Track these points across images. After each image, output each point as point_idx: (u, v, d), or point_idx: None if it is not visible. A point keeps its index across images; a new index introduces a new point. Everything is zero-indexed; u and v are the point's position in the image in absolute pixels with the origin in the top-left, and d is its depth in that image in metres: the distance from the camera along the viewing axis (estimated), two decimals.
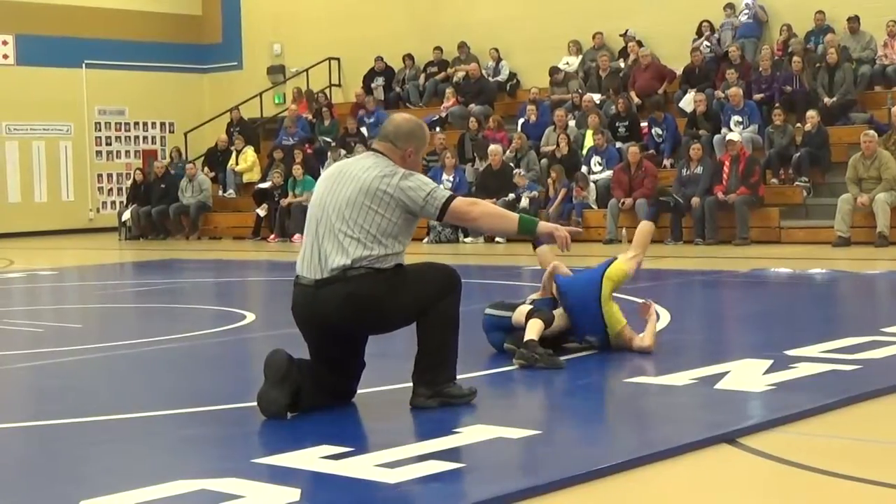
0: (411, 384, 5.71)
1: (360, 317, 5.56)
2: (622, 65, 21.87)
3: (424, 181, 5.62)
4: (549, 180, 19.07)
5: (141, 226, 23.57)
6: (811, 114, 17.69)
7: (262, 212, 21.95)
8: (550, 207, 18.62)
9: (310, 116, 24.67)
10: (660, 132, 19.41)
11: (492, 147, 19.66)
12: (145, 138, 27.89)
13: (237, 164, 23.97)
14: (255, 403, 5.64)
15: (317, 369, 5.66)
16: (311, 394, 5.60)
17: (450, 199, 5.61)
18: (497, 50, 23.56)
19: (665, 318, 8.86)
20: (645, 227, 7.87)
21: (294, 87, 25.95)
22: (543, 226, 5.90)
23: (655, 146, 19.35)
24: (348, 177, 5.61)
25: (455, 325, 5.70)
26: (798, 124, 17.97)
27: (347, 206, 5.52)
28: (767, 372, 6.36)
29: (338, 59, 26.41)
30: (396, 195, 5.52)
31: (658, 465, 4.64)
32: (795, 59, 19.20)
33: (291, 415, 5.55)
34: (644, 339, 7.28)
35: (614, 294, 7.41)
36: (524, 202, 18.62)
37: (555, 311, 7.28)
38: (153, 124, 28.07)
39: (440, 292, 5.61)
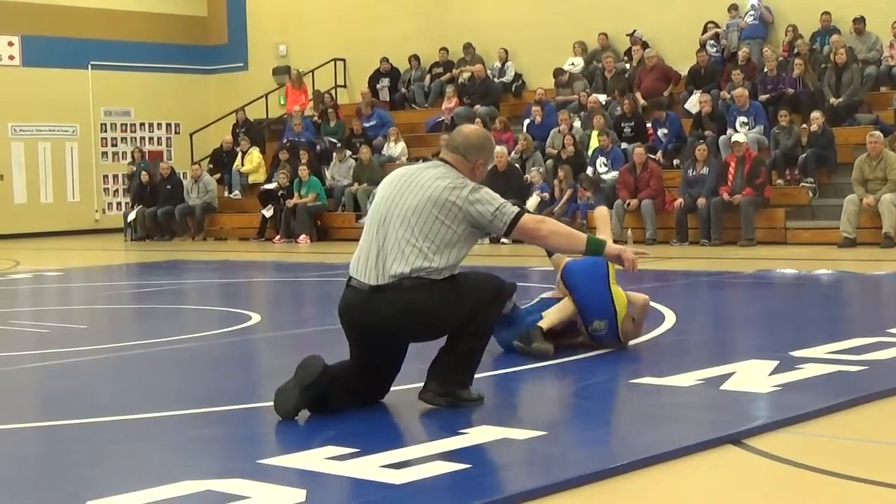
0: (424, 379, 5.69)
1: (411, 327, 5.56)
2: (627, 66, 21.86)
3: (493, 196, 5.58)
4: (556, 181, 19.06)
5: (147, 227, 23.60)
6: (816, 115, 17.67)
7: (267, 213, 21.97)
8: (556, 207, 18.59)
9: (312, 114, 24.67)
10: (666, 132, 19.40)
11: (497, 148, 19.65)
12: (151, 139, 27.93)
13: (243, 164, 23.98)
14: (261, 404, 5.65)
15: (351, 371, 5.65)
16: (339, 397, 5.59)
17: (518, 216, 5.58)
18: (506, 50, 23.55)
19: (671, 318, 8.86)
20: (604, 211, 7.78)
21: (294, 69, 25.91)
22: (611, 247, 5.88)
23: (663, 147, 19.30)
24: (416, 184, 5.57)
25: (488, 335, 5.73)
26: (804, 125, 17.96)
27: (414, 214, 5.48)
28: (773, 373, 6.35)
29: (343, 60, 26.42)
30: (465, 208, 5.49)
31: (664, 465, 4.63)
32: (798, 61, 19.17)
33: (307, 415, 5.54)
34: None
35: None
36: (533, 200, 18.60)
37: (556, 306, 7.32)
38: (159, 125, 28.11)
39: (487, 304, 5.61)
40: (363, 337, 5.63)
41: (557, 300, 7.44)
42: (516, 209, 5.62)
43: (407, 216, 5.50)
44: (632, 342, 7.48)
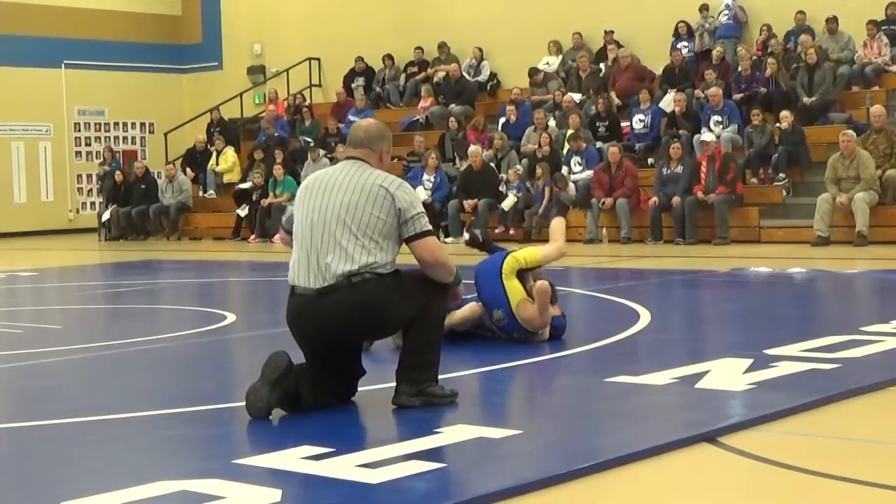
0: (394, 383, 5.72)
1: (364, 324, 5.60)
2: (602, 66, 21.89)
3: (417, 199, 5.69)
4: (535, 179, 18.97)
5: (121, 226, 23.51)
6: (785, 113, 17.75)
7: (242, 212, 21.92)
8: (539, 207, 18.39)
9: (286, 116, 24.61)
10: (643, 118, 19.48)
11: (472, 147, 19.65)
12: (125, 139, 27.83)
13: (217, 164, 23.92)
14: (236, 404, 5.64)
15: (316, 373, 5.66)
16: (312, 397, 5.61)
17: (429, 231, 5.66)
18: (481, 49, 23.55)
19: (645, 317, 8.88)
20: (559, 221, 8.36)
21: (272, 87, 25.90)
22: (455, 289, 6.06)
23: (636, 133, 19.44)
24: (340, 184, 5.62)
25: (441, 326, 5.79)
26: (777, 124, 18.03)
27: (348, 212, 5.53)
28: (747, 371, 6.38)
29: (318, 60, 26.38)
30: (394, 192, 5.57)
31: (639, 464, 4.65)
32: (770, 60, 19.26)
33: (282, 415, 5.54)
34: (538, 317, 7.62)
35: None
36: (509, 200, 18.58)
37: (468, 305, 7.77)
38: (133, 125, 28.00)
39: (434, 294, 5.66)
40: (315, 340, 5.65)
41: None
42: (429, 226, 5.72)
43: (341, 215, 5.55)
44: (600, 343, 7.49)
